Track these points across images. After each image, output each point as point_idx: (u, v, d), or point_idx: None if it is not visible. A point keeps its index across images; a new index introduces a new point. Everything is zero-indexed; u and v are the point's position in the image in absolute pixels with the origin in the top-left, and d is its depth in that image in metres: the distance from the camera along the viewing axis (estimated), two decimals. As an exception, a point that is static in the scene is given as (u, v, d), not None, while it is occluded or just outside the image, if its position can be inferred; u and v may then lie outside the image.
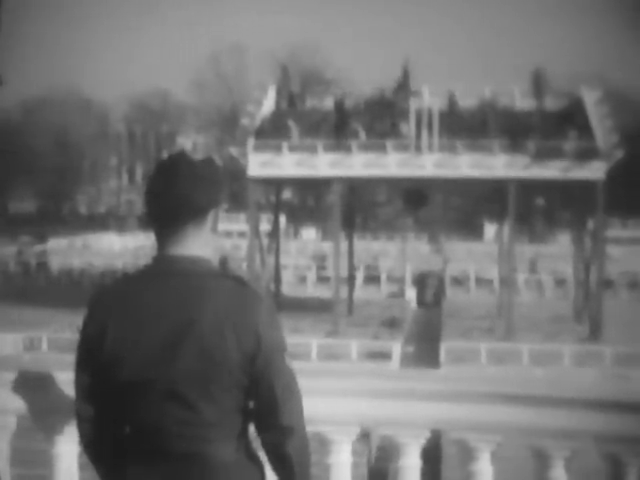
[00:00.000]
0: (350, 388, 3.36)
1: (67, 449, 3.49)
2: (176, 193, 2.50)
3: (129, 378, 2.44)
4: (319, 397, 3.21)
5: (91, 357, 2.53)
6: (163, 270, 2.51)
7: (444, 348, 29.86)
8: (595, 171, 33.77)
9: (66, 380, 3.11)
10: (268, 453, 2.52)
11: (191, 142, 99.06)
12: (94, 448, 2.64)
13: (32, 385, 3.37)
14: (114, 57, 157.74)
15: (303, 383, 2.55)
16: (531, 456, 3.31)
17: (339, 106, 37.47)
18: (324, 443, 3.41)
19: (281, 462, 2.51)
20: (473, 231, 76.61)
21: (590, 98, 35.87)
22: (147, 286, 2.50)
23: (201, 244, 2.56)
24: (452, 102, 36.56)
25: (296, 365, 2.56)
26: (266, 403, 2.46)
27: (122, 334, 2.46)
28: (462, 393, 3.22)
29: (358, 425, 3.40)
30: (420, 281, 47.46)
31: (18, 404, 3.36)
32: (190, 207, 2.52)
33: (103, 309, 2.52)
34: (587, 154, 33.92)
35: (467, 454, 3.30)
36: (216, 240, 2.63)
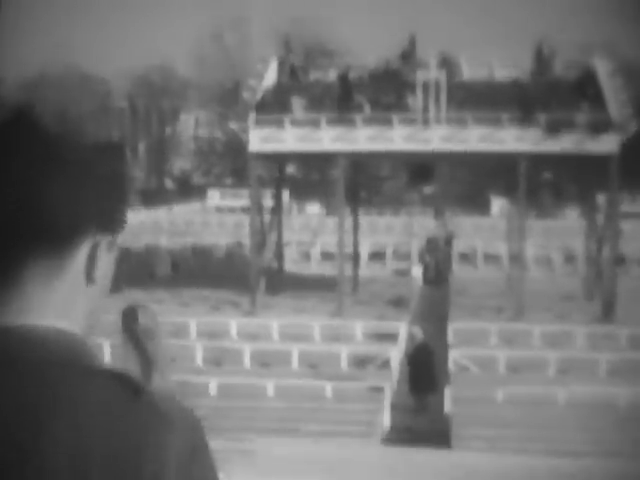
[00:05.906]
0: None
1: None
2: (9, 196, 1.27)
3: None
4: None
5: None
6: None
7: (451, 329, 28.86)
8: (609, 144, 32.58)
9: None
10: None
11: (193, 117, 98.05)
12: None
13: None
14: (114, 32, 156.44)
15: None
16: None
17: (343, 78, 36.22)
18: None
19: None
20: (480, 206, 75.41)
21: (603, 69, 34.57)
22: None
23: (64, 304, 1.30)
24: (451, 73, 35.25)
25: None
26: None
27: None
28: None
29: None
30: (427, 252, 46.20)
31: None
32: (37, 225, 1.27)
33: None
34: (600, 127, 32.70)
35: None
36: (101, 299, 1.35)
